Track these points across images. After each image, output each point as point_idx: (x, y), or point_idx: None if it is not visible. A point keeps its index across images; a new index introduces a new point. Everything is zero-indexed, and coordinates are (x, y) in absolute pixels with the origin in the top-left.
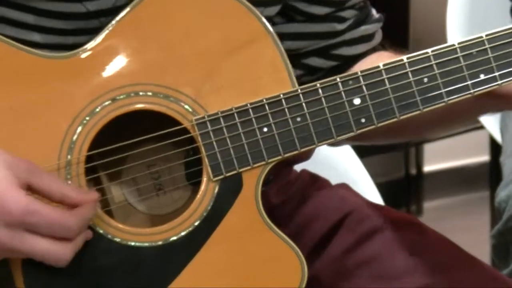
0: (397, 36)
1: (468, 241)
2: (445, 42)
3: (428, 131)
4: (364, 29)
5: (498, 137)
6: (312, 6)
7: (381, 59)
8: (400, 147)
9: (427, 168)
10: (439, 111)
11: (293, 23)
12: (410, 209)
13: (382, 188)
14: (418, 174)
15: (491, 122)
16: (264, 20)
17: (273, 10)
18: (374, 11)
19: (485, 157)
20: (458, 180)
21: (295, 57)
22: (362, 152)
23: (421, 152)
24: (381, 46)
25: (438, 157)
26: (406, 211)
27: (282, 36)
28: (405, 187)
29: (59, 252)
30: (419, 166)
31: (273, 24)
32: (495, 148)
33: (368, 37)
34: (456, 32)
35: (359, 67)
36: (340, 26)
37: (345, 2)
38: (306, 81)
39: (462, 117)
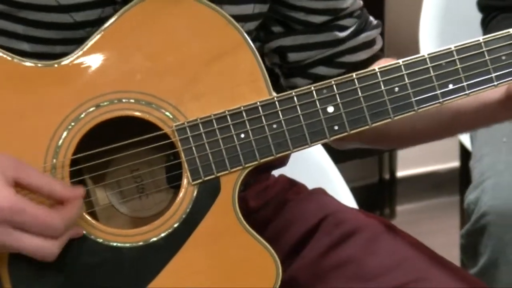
0: None
1: (439, 242)
2: (418, 52)
3: (435, 138)
4: (365, 36)
5: (468, 144)
6: (310, 15)
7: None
8: (374, 153)
9: (400, 173)
10: (445, 121)
11: (296, 35)
12: (383, 213)
13: (357, 192)
14: (391, 179)
15: None
16: (243, 31)
17: (253, 25)
18: (372, 18)
19: (455, 163)
20: (429, 184)
21: (302, 68)
22: (338, 158)
23: (394, 157)
24: (381, 52)
25: (411, 163)
26: (380, 215)
27: (287, 49)
28: (379, 191)
29: (46, 249)
30: (392, 171)
31: (274, 37)
32: (464, 154)
33: (369, 43)
34: (428, 43)
35: None
36: (342, 34)
37: (340, 10)
38: None
39: (469, 127)
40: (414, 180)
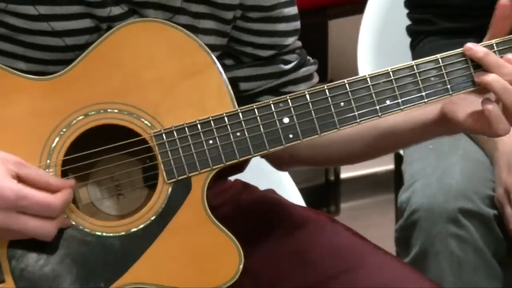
0: (318, 70)
1: (378, 235)
2: (357, 74)
3: (375, 157)
4: (305, 70)
5: (400, 150)
6: (257, 50)
7: None
8: None
9: (344, 175)
10: (380, 138)
11: (246, 67)
12: (330, 209)
13: (307, 192)
14: (336, 180)
15: None
16: (212, 54)
17: (215, 54)
18: (309, 57)
19: (390, 166)
20: (369, 184)
21: (251, 96)
22: None
23: None
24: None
25: (353, 166)
26: (327, 211)
27: (238, 79)
28: (326, 191)
29: (46, 228)
30: (337, 173)
31: (228, 69)
32: (398, 158)
33: (308, 77)
34: (366, 66)
35: None
36: (286, 67)
37: (284, 46)
38: None
39: (407, 144)
40: (356, 181)
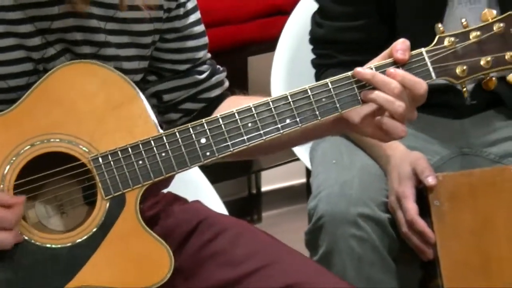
0: (239, 87)
1: (294, 239)
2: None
3: (280, 150)
4: (217, 78)
5: (308, 165)
6: (175, 65)
7: (234, 101)
8: (244, 173)
9: (264, 188)
10: (302, 134)
11: (167, 81)
12: (253, 218)
13: (232, 204)
14: (257, 192)
15: (303, 154)
16: (135, 85)
17: (139, 76)
18: (219, 66)
19: (303, 179)
20: (286, 196)
21: (174, 105)
22: (213, 178)
23: (259, 176)
24: (231, 93)
25: (272, 180)
26: (250, 220)
27: (162, 92)
28: (249, 202)
29: (4, 237)
30: (258, 187)
31: (152, 84)
32: (308, 173)
33: (220, 83)
34: (279, 88)
35: (220, 108)
36: (200, 77)
37: (197, 59)
38: (185, 121)
39: (308, 139)
40: (275, 193)
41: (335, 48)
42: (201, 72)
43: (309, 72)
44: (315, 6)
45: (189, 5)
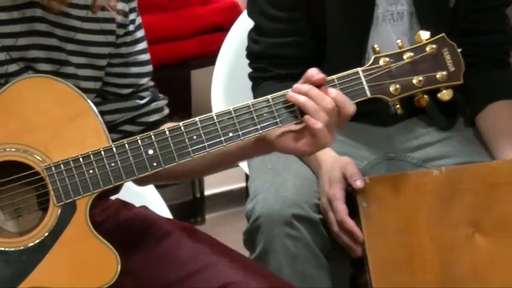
0: (183, 112)
1: (234, 239)
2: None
3: (211, 171)
4: (156, 104)
5: (247, 170)
6: (119, 89)
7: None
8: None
9: (207, 192)
10: (226, 155)
11: (110, 103)
12: (196, 220)
13: (177, 207)
14: (201, 196)
15: None
16: (88, 99)
17: (93, 96)
18: (161, 94)
19: (243, 184)
20: (227, 199)
21: (114, 126)
22: (158, 185)
23: (203, 181)
24: (170, 119)
25: (214, 184)
26: (194, 222)
27: (104, 113)
28: (193, 205)
29: None
30: (201, 191)
31: (96, 105)
32: (247, 177)
33: (159, 109)
34: (219, 106)
35: None
36: (141, 102)
37: (139, 85)
38: None
39: (241, 159)
40: (217, 197)
41: (270, 63)
42: (142, 98)
43: (247, 84)
44: (251, 24)
45: (138, 35)
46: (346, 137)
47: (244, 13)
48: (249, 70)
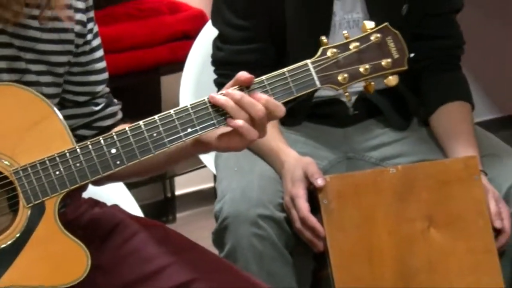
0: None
1: (204, 236)
2: None
3: (162, 169)
4: (111, 109)
5: (214, 171)
6: (76, 96)
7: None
8: (159, 179)
9: (178, 192)
10: (169, 157)
11: (68, 109)
12: (168, 219)
13: (149, 206)
14: (172, 196)
15: (210, 161)
16: (51, 104)
17: (56, 101)
18: (115, 100)
19: (212, 184)
20: (197, 198)
21: (71, 131)
22: (131, 184)
23: (173, 182)
24: (123, 121)
25: (185, 185)
26: (166, 220)
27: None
28: (164, 205)
29: None
30: (172, 191)
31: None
32: (215, 177)
33: (113, 114)
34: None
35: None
36: (96, 108)
37: (95, 93)
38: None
39: (181, 160)
40: (188, 196)
41: (234, 69)
42: (97, 104)
43: (213, 89)
44: (216, 32)
45: (94, 43)
46: (308, 138)
47: (210, 22)
48: (215, 76)
